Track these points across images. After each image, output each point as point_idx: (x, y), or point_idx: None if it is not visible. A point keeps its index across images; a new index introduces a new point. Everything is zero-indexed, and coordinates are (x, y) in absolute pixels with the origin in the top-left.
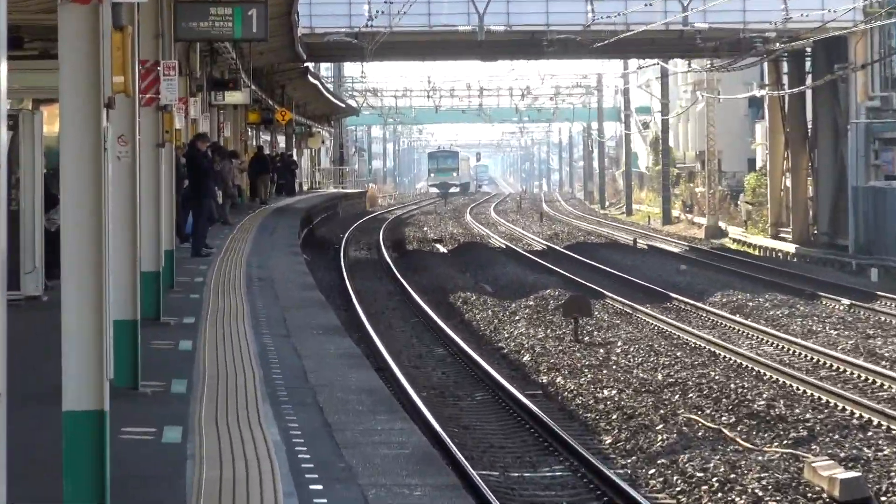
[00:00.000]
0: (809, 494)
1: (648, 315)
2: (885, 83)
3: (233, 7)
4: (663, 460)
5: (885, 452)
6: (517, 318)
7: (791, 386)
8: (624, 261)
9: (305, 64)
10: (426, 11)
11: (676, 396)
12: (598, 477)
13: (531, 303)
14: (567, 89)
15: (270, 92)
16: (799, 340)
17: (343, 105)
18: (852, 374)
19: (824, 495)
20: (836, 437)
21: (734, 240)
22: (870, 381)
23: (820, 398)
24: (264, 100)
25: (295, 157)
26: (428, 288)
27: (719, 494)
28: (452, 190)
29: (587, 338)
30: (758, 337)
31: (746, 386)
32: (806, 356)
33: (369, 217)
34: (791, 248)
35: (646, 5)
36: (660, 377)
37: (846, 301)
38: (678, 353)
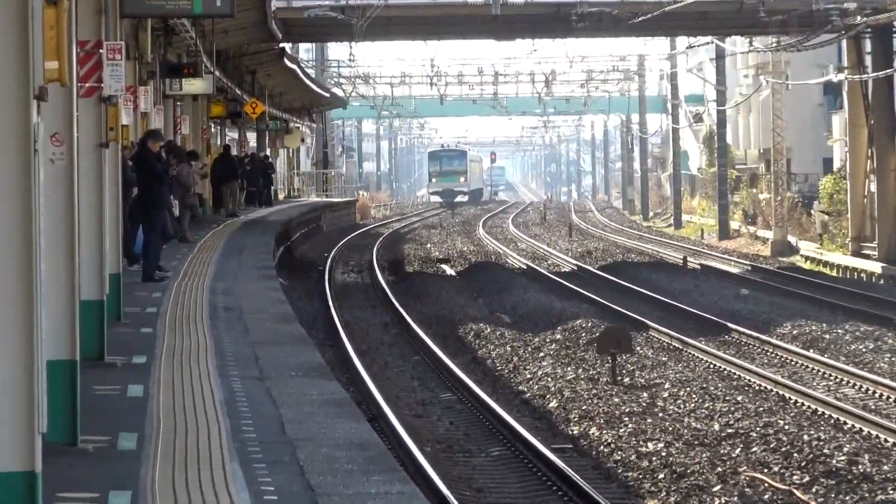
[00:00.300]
0: None
1: (702, 351)
2: None
3: None
4: None
5: None
6: (541, 354)
7: (877, 437)
8: (671, 284)
9: (281, 45)
10: None
11: (737, 451)
12: None
13: (558, 336)
14: (601, 74)
15: (238, 79)
16: (887, 381)
17: (327, 95)
18: None
19: None
20: None
21: (807, 258)
22: None
23: None
24: (231, 89)
25: (270, 159)
26: (432, 318)
27: None
28: (459, 199)
29: (627, 379)
30: (836, 377)
31: (823, 437)
32: None
33: (360, 232)
34: (877, 267)
35: None
36: (716, 427)
37: None
38: (739, 398)
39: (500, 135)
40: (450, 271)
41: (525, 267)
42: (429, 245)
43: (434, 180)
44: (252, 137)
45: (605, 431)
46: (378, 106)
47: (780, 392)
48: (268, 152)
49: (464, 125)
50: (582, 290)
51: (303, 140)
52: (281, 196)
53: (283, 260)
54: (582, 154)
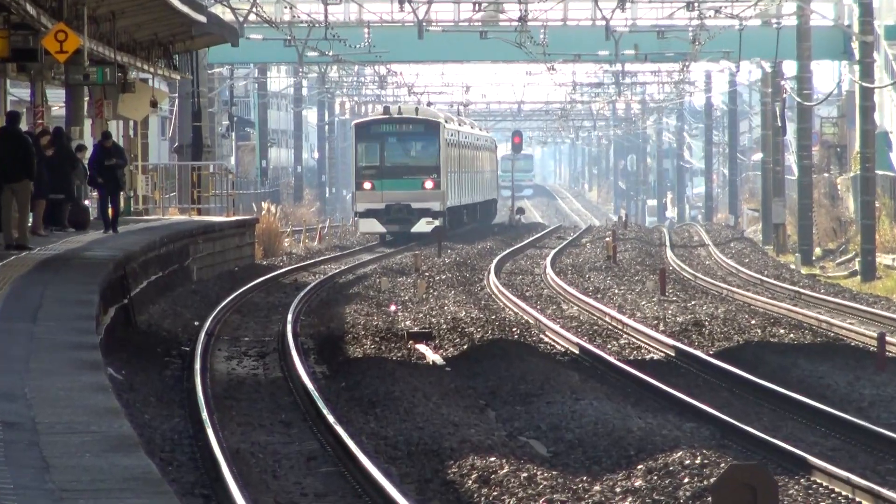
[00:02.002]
0: None
1: None
2: None
3: None
4: None
5: None
6: None
7: None
8: (854, 389)
9: None
10: None
11: None
12: None
13: (639, 483)
14: None
15: None
16: None
17: (202, 18)
18: None
19: None
20: None
21: None
22: None
23: None
24: (16, 5)
25: (87, 142)
26: (400, 448)
27: None
28: (421, 228)
29: None
30: None
31: None
32: None
33: (264, 279)
34: None
35: None
36: None
37: None
38: None
39: (532, 98)
40: (433, 357)
41: (576, 351)
42: (393, 307)
43: (367, 187)
44: (58, 99)
45: None
46: (299, 42)
47: None
48: (86, 128)
49: (461, 79)
50: (684, 397)
51: (154, 105)
52: (111, 210)
53: (117, 332)
54: (688, 138)
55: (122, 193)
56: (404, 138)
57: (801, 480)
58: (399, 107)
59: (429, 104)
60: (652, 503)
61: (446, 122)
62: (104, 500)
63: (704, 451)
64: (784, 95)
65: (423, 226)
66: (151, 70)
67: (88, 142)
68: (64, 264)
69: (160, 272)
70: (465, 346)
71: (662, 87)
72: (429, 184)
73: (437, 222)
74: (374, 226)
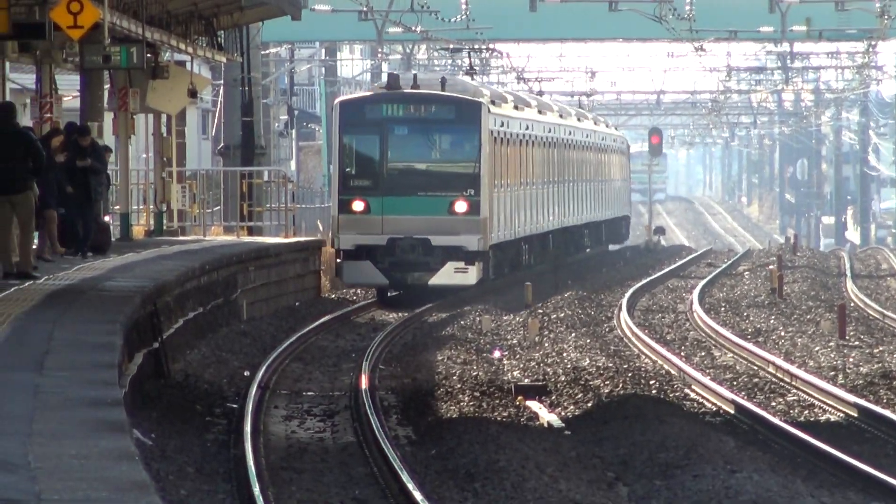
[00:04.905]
0: None
1: None
2: None
3: None
4: None
5: None
6: None
7: None
8: None
9: None
10: None
11: None
12: None
13: None
14: None
15: None
16: None
17: None
18: None
19: None
20: None
21: None
22: None
23: None
24: None
25: (109, 144)
26: None
27: None
28: (443, 280)
29: None
30: None
31: None
32: None
33: (331, 318)
34: None
35: None
36: None
37: None
38: None
39: (675, 87)
40: (548, 417)
41: (731, 411)
42: (498, 353)
43: (358, 208)
44: (72, 88)
45: None
46: (378, 14)
47: None
48: (103, 125)
49: (584, 62)
50: (870, 469)
51: (194, 94)
52: (139, 230)
53: (146, 384)
54: (874, 138)
55: (97, 209)
56: (421, 129)
57: None
58: (415, 76)
59: (540, 93)
60: None
61: (495, 102)
62: None
63: None
64: None
65: (448, 275)
66: (190, 51)
67: (110, 142)
68: (78, 297)
69: (200, 308)
70: (588, 404)
71: (842, 73)
72: (461, 205)
73: (472, 270)
74: (367, 273)
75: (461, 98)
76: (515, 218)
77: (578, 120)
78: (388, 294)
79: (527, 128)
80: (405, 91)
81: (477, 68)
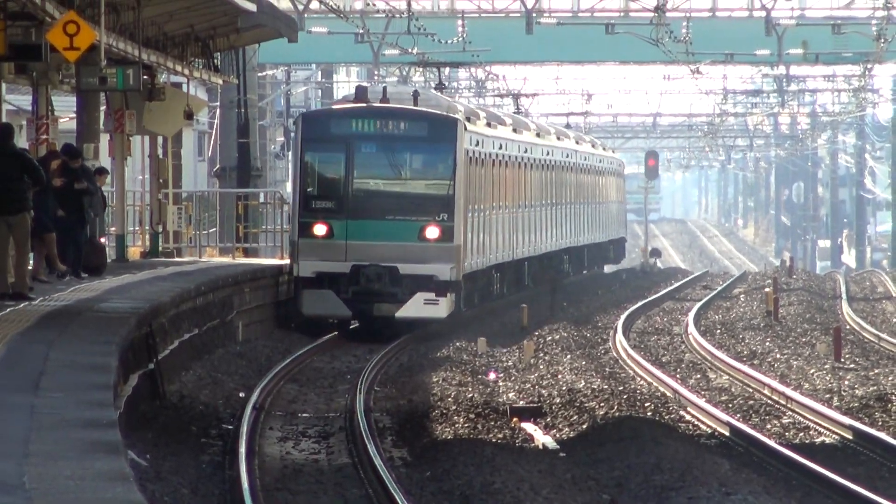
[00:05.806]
0: None
1: None
2: None
3: None
4: None
5: None
6: None
7: None
8: None
9: None
10: None
11: None
12: None
13: None
14: None
15: None
16: None
17: (250, 7)
18: None
19: None
20: None
21: None
22: None
23: None
24: None
25: (106, 166)
26: None
27: None
28: (411, 313)
29: None
30: None
31: None
32: None
33: (327, 339)
34: None
35: None
36: None
37: None
38: None
39: (671, 110)
40: (543, 439)
41: (726, 433)
42: (493, 375)
43: (319, 232)
44: (68, 109)
45: None
46: (374, 36)
47: None
48: (100, 146)
49: (581, 85)
50: (866, 492)
51: (190, 116)
52: (135, 251)
53: (141, 406)
54: (871, 161)
55: (90, 230)
56: (390, 147)
57: None
58: (384, 89)
59: (526, 113)
60: None
61: (470, 119)
62: None
63: None
64: None
65: (417, 307)
66: (186, 72)
67: (106, 164)
68: (73, 318)
69: (196, 329)
70: (583, 426)
71: (838, 97)
72: (432, 230)
73: (443, 302)
74: (329, 304)
75: (436, 114)
76: (488, 244)
77: (558, 138)
78: (350, 326)
79: (497, 145)
80: (374, 105)
81: (473, 90)
